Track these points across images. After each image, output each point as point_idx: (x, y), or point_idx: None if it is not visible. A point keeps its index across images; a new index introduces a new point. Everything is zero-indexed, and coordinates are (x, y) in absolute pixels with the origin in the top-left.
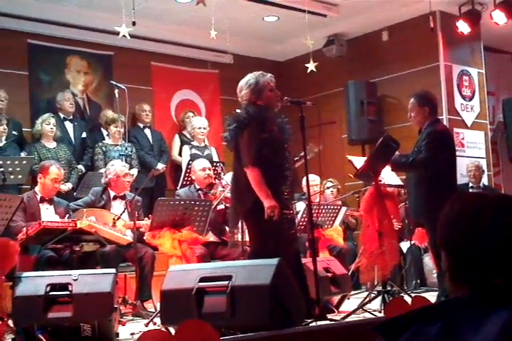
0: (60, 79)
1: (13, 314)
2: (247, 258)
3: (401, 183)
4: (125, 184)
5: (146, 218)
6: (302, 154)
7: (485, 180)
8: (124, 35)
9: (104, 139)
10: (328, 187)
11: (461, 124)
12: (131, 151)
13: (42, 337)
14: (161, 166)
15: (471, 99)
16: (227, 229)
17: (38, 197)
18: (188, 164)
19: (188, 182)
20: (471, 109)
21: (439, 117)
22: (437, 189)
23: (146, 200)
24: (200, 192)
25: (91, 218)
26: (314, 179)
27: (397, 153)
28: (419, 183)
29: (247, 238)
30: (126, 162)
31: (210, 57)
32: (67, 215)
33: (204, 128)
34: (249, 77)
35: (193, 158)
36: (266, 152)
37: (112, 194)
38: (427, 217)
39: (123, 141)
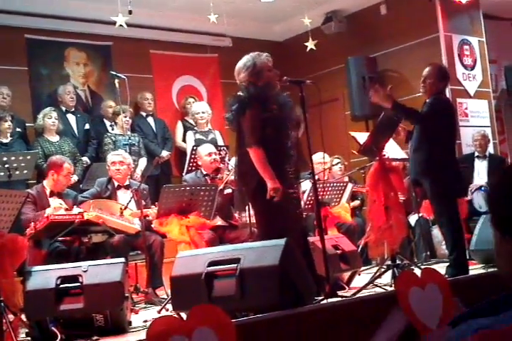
0: (59, 73)
1: (26, 308)
2: (255, 239)
3: (406, 157)
4: (114, 172)
5: (153, 206)
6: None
7: (490, 149)
8: (121, 25)
9: (107, 130)
10: (334, 165)
11: (464, 94)
12: (138, 141)
13: (55, 330)
14: (165, 153)
15: (472, 68)
16: (235, 213)
17: (47, 191)
18: (193, 150)
19: (193, 168)
20: (473, 78)
21: None
22: (437, 150)
23: (152, 188)
24: (207, 177)
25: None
26: (323, 157)
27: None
28: (418, 146)
29: (254, 219)
30: (131, 151)
31: (209, 42)
32: (75, 206)
33: (203, 113)
34: (246, 59)
35: (198, 143)
36: (269, 131)
37: (116, 184)
38: (428, 177)
39: (128, 131)
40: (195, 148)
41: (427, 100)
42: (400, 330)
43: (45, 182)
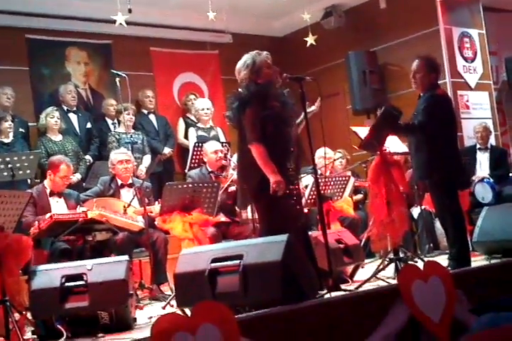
0: (61, 72)
1: (31, 307)
2: (257, 235)
3: (407, 150)
4: (121, 171)
5: (156, 202)
6: (303, 115)
7: (492, 141)
8: (120, 23)
9: (109, 128)
10: (335, 159)
11: (465, 86)
12: (142, 139)
13: (61, 328)
14: (167, 150)
15: (473, 60)
16: (237, 210)
17: (48, 191)
18: (195, 146)
19: (196, 165)
20: (474, 70)
21: (442, 81)
22: (437, 152)
23: (155, 185)
24: (211, 174)
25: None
26: (327, 152)
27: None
28: (418, 147)
29: (256, 215)
30: (133, 149)
31: (209, 38)
32: (78, 207)
33: (207, 109)
34: (246, 58)
35: (200, 139)
36: (269, 128)
37: (120, 182)
38: (431, 178)
39: (132, 129)
40: (198, 144)
41: (421, 94)
42: (403, 323)
43: (45, 182)
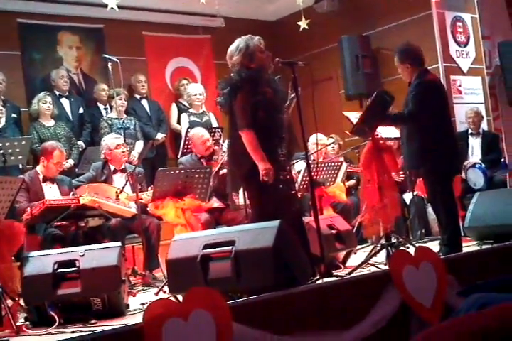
0: (52, 57)
1: (24, 293)
2: (250, 221)
3: (399, 136)
4: (120, 155)
5: (149, 188)
6: (292, 96)
7: (484, 126)
8: (112, 8)
9: (101, 114)
10: (328, 145)
11: (458, 71)
12: (134, 124)
13: (53, 314)
14: (160, 136)
15: (466, 44)
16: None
17: (41, 177)
18: (187, 132)
19: (187, 151)
20: (467, 55)
21: (435, 66)
22: (430, 139)
23: (148, 171)
24: (202, 160)
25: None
26: (321, 138)
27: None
28: (410, 135)
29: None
30: (125, 134)
31: (201, 22)
32: (71, 193)
33: (200, 95)
34: (239, 42)
35: (192, 125)
36: (260, 114)
37: (113, 168)
38: (424, 167)
39: (124, 114)
40: (189, 130)
41: (410, 82)
42: (394, 308)
43: (38, 168)
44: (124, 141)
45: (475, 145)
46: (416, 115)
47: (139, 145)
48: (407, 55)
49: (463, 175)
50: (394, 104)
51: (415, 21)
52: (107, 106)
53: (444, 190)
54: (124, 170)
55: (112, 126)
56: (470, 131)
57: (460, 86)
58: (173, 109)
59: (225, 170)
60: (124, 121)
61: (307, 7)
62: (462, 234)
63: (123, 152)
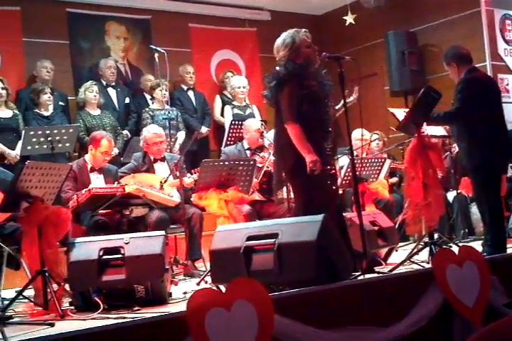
0: (100, 46)
1: (69, 278)
2: (292, 215)
3: (445, 134)
4: (156, 151)
5: (189, 174)
6: (342, 103)
7: None
8: None
9: (147, 104)
10: (372, 140)
11: (506, 70)
12: (176, 115)
13: (98, 300)
14: (204, 129)
15: None
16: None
17: (89, 167)
18: (232, 124)
19: (232, 142)
20: None
21: (482, 64)
22: (476, 137)
23: (188, 163)
24: (248, 151)
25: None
26: (364, 134)
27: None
28: (460, 133)
29: (292, 195)
30: (170, 125)
31: (248, 15)
32: (115, 183)
33: (244, 87)
34: (285, 36)
35: (235, 117)
36: (306, 108)
37: (152, 158)
38: (469, 165)
39: (167, 105)
40: (235, 122)
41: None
42: (437, 307)
43: (86, 157)
44: (169, 131)
45: None
46: (463, 112)
47: (181, 136)
48: (452, 55)
49: (509, 174)
50: (440, 101)
51: (463, 18)
52: (152, 97)
53: (489, 189)
54: (163, 159)
55: (154, 117)
56: None
57: (508, 85)
58: (217, 101)
59: (270, 168)
60: (167, 113)
61: (354, 2)
62: (507, 235)
63: (157, 148)
